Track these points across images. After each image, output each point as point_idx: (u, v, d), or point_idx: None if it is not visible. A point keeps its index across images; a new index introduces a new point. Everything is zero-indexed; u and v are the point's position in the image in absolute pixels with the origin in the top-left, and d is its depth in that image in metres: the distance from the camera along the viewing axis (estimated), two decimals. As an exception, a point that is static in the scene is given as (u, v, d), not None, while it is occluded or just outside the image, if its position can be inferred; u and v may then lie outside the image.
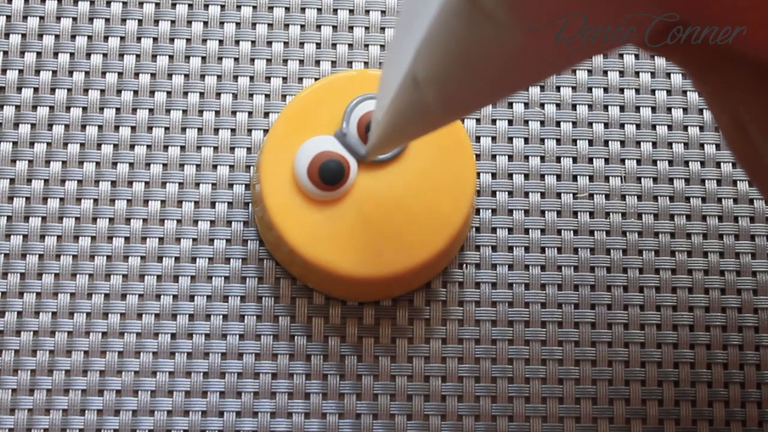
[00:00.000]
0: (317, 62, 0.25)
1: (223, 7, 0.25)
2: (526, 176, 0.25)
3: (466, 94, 0.14)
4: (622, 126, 0.25)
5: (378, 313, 0.24)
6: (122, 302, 0.24)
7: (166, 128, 0.25)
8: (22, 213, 0.24)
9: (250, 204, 0.24)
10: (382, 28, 0.25)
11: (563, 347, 0.24)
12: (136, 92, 0.25)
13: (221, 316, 0.24)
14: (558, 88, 0.25)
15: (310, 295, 0.24)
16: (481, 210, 0.25)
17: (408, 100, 0.15)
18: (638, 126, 0.25)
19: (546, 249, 0.24)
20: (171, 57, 0.25)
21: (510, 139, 0.25)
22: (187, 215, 0.24)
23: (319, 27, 0.25)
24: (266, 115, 0.25)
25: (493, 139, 0.25)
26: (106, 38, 0.25)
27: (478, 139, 0.25)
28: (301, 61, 0.25)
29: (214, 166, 0.24)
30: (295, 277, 0.24)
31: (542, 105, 0.25)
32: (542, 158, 0.25)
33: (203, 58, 0.25)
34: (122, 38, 0.25)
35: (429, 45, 0.14)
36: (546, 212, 0.25)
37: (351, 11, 0.26)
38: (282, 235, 0.22)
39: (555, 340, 0.24)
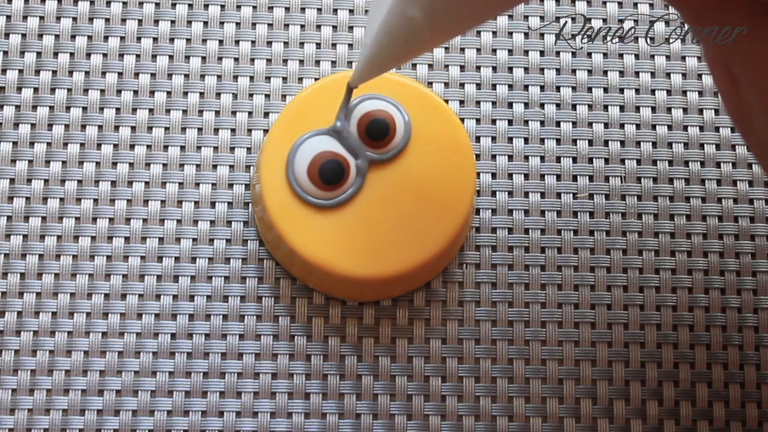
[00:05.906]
0: (317, 62, 0.25)
1: (223, 7, 0.25)
2: (526, 176, 0.25)
3: (451, 10, 0.16)
4: (622, 126, 0.25)
5: (378, 313, 0.24)
6: (122, 302, 0.24)
7: (166, 128, 0.25)
8: (22, 213, 0.24)
9: (250, 204, 0.24)
10: (382, 28, 0.25)
11: (563, 347, 0.24)
12: (136, 92, 0.25)
13: (221, 316, 0.24)
14: (558, 88, 0.25)
15: (310, 295, 0.24)
16: (481, 210, 0.25)
17: (397, 19, 0.16)
18: (638, 126, 0.25)
19: (546, 249, 0.24)
20: (171, 57, 0.25)
21: (510, 139, 0.25)
22: (187, 215, 0.24)
23: (319, 27, 0.25)
24: (266, 115, 0.25)
25: (493, 139, 0.25)
26: (106, 38, 0.25)
27: (478, 139, 0.25)
28: (301, 61, 0.25)
29: (214, 166, 0.24)
30: (295, 277, 0.24)
31: (542, 105, 0.25)
32: (542, 158, 0.25)
33: (203, 58, 0.25)
34: (122, 38, 0.25)
35: None
36: (546, 212, 0.25)
37: (351, 11, 0.26)
38: (282, 235, 0.22)
39: (555, 340, 0.24)
